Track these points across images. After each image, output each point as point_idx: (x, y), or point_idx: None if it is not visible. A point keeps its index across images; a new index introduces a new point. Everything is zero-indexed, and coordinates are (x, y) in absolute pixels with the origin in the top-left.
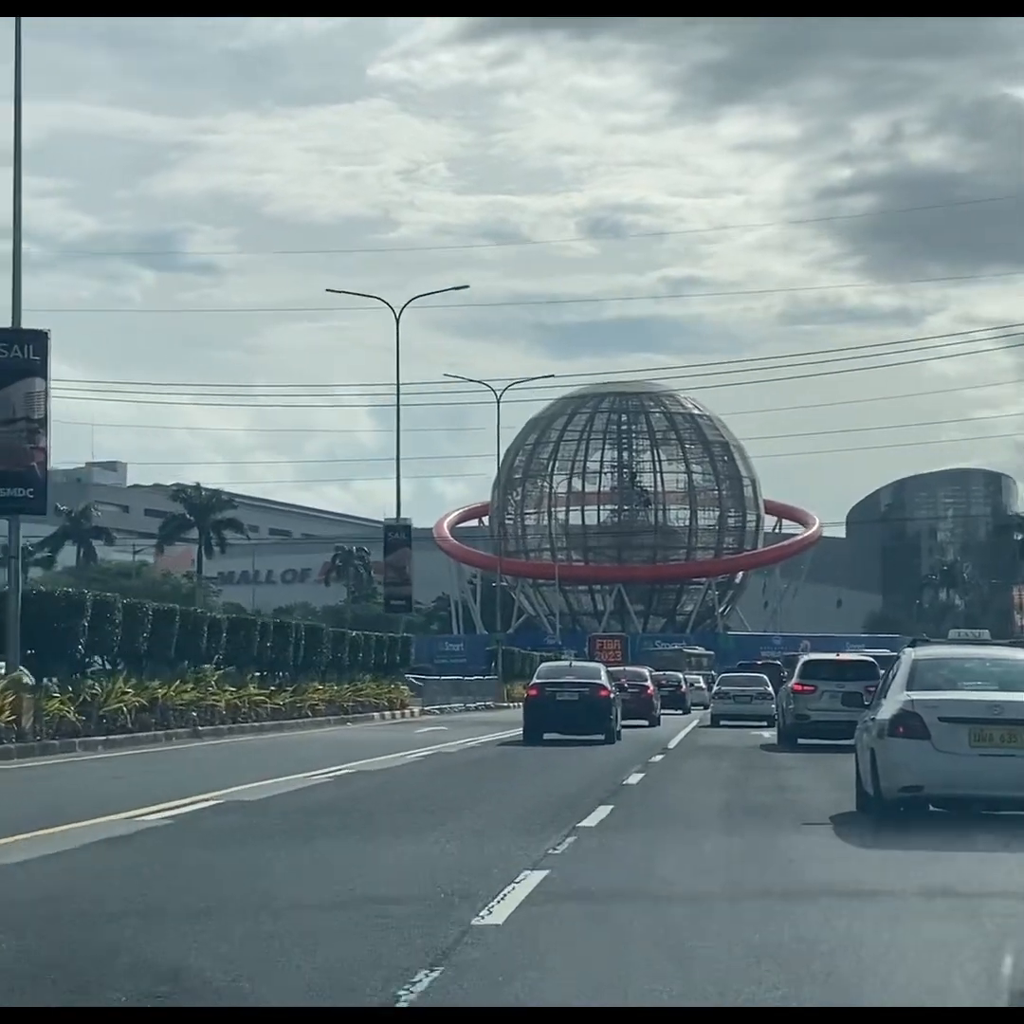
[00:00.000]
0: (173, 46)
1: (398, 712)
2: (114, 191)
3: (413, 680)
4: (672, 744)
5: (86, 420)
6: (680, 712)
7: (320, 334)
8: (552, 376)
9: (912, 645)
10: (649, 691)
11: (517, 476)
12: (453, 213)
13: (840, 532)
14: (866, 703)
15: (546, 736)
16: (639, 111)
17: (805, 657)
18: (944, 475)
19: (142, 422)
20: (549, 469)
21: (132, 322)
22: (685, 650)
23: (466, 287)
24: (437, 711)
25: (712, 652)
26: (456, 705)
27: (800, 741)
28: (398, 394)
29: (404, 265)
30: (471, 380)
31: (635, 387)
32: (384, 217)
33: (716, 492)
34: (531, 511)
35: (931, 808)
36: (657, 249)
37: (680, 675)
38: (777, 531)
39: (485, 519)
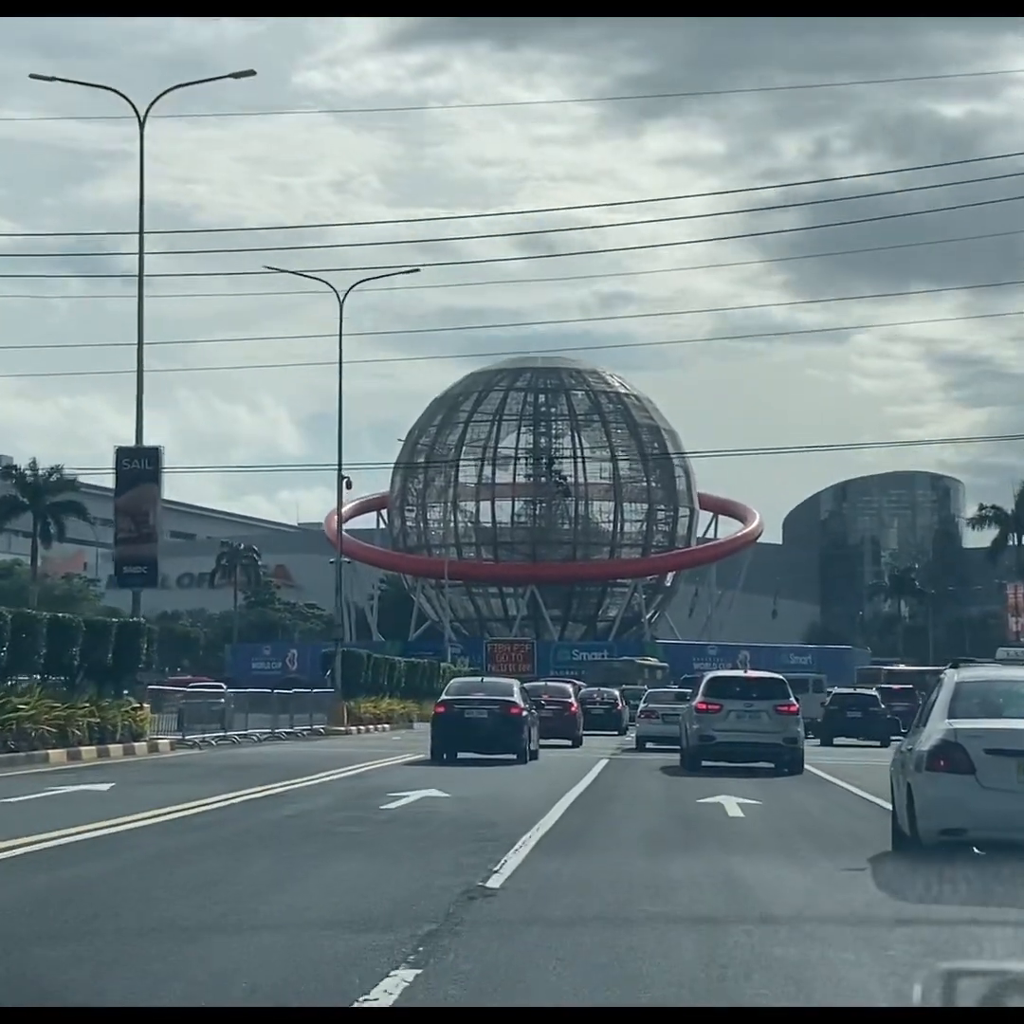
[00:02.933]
0: (101, 52)
1: (129, 743)
2: (42, 198)
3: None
4: (582, 785)
5: (6, 426)
6: (615, 732)
7: (251, 345)
8: (416, 270)
9: (954, 666)
10: (572, 709)
11: (419, 461)
12: (385, 226)
13: (775, 538)
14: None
15: (457, 755)
16: (565, 124)
17: (710, 674)
18: (888, 478)
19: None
20: (456, 455)
21: (61, 329)
22: (639, 662)
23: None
24: (209, 741)
25: (666, 664)
26: (258, 733)
27: (704, 764)
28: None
29: (334, 277)
30: (310, 276)
31: (555, 362)
32: (316, 229)
33: (644, 483)
34: (435, 502)
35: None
36: (588, 264)
37: (616, 692)
38: (712, 528)
39: (385, 512)
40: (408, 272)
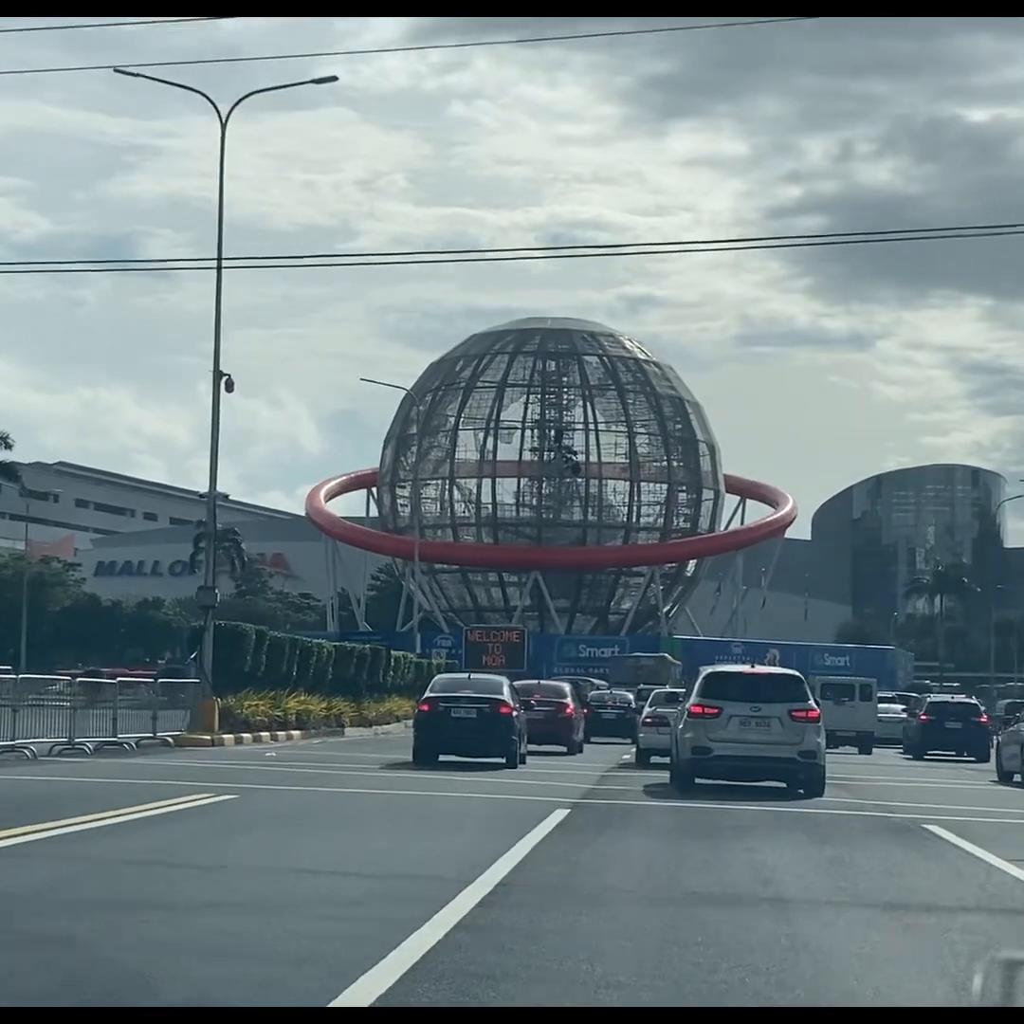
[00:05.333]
0: (127, 47)
1: None
2: (71, 192)
3: None
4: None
5: (24, 416)
6: (629, 740)
7: (275, 342)
8: (332, 79)
9: None
10: (568, 710)
11: (412, 433)
12: (412, 224)
13: (804, 534)
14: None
15: (439, 758)
16: (588, 123)
17: (708, 669)
18: (925, 471)
19: (81, 420)
20: (454, 425)
21: (85, 324)
22: (671, 659)
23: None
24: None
25: (679, 662)
26: (90, 744)
27: (698, 781)
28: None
29: (359, 274)
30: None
31: (566, 324)
32: (343, 226)
33: (664, 462)
34: (430, 479)
35: None
36: (614, 266)
37: (630, 695)
38: (739, 515)
39: (375, 490)
40: (321, 81)
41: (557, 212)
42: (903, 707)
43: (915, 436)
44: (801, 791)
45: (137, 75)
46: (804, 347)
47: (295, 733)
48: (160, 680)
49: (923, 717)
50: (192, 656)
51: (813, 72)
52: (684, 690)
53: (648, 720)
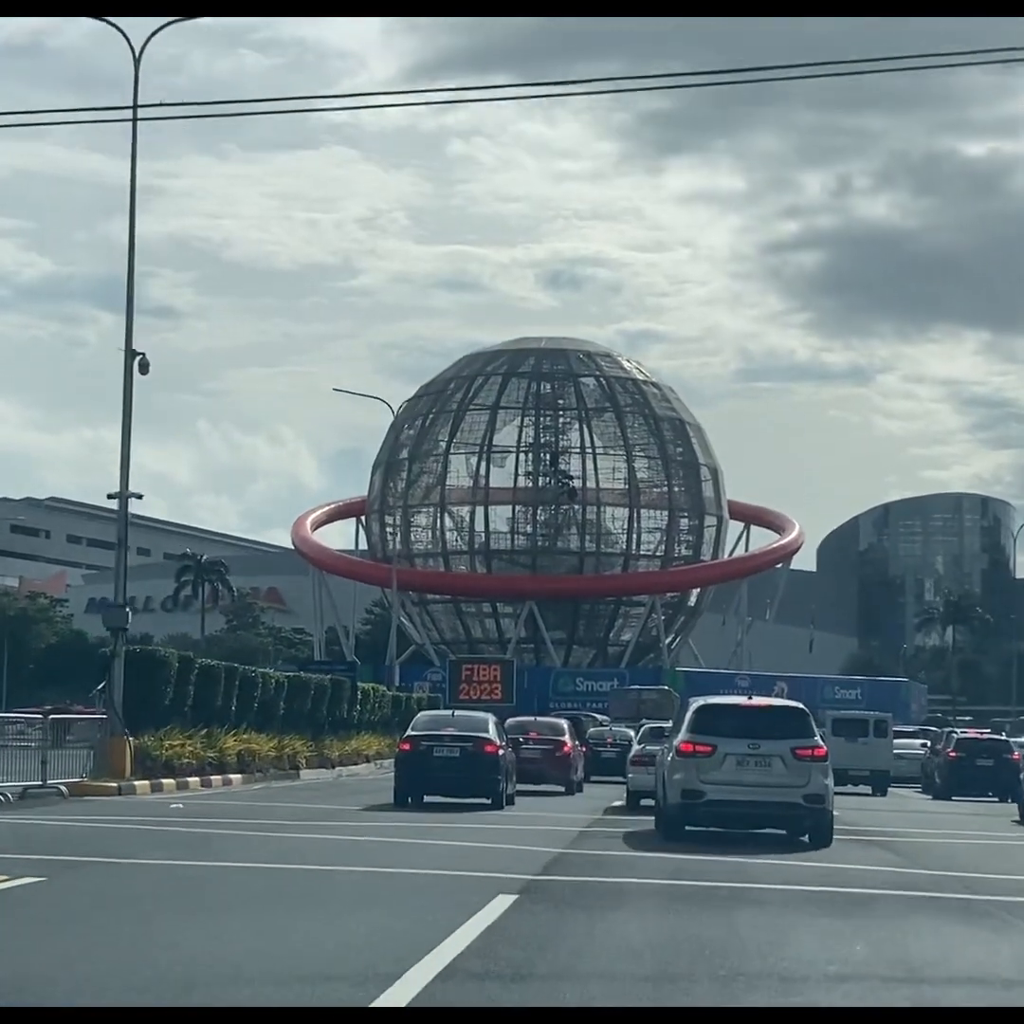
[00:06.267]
0: (122, 85)
1: None
2: (73, 232)
3: None
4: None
5: (28, 457)
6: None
7: (277, 380)
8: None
9: None
10: (565, 748)
11: (402, 457)
12: (412, 262)
13: (810, 565)
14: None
15: (424, 799)
16: (585, 160)
17: (699, 701)
18: (932, 501)
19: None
20: (445, 449)
21: (86, 364)
22: (675, 693)
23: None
24: None
25: (677, 695)
26: None
27: (689, 829)
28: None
29: (361, 312)
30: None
31: (561, 344)
32: (345, 264)
33: (665, 486)
34: (420, 506)
35: None
36: (614, 302)
37: (631, 732)
38: (743, 542)
39: (364, 518)
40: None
41: (558, 248)
42: (923, 742)
43: (916, 470)
44: (807, 840)
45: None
46: (804, 381)
47: (235, 777)
48: (52, 716)
49: (951, 754)
50: (99, 687)
51: (809, 107)
52: (671, 724)
53: (637, 759)
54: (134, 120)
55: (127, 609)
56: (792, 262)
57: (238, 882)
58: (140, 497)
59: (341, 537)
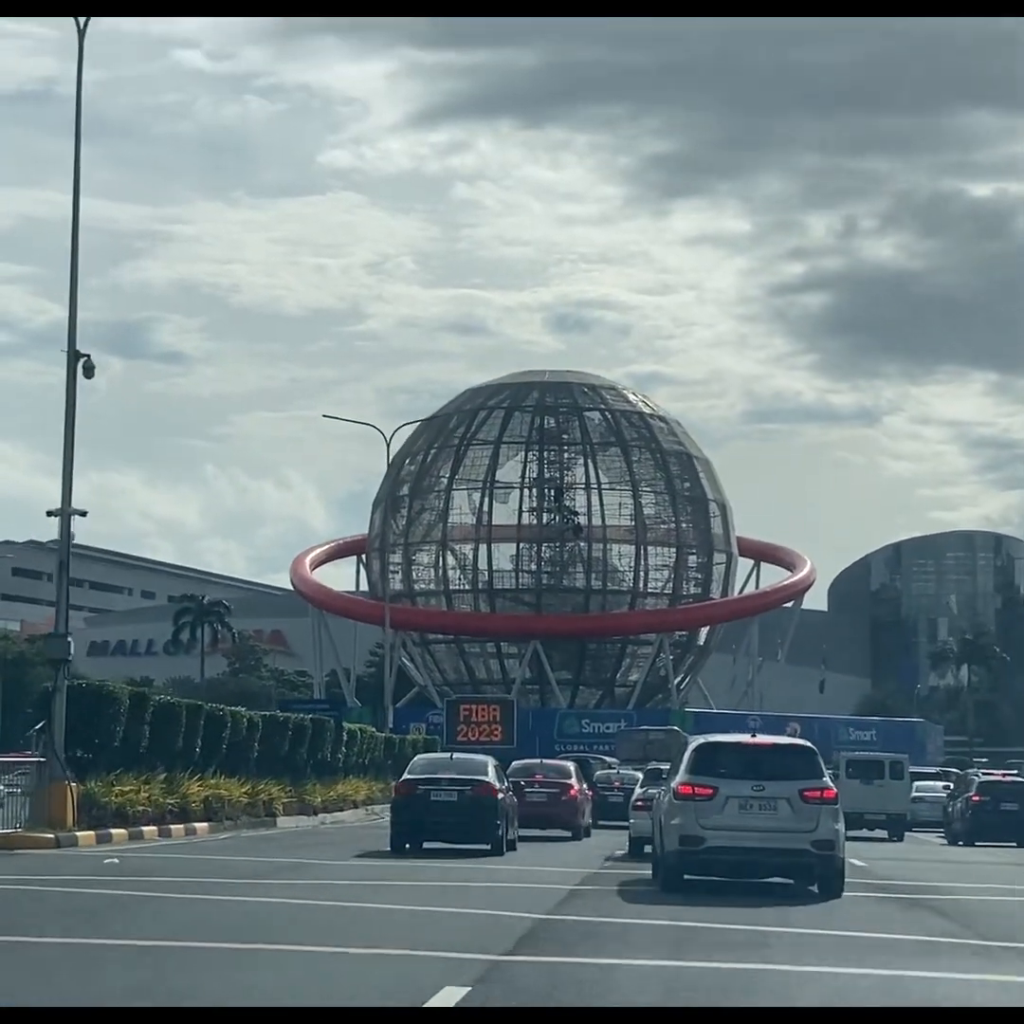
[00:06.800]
0: (140, 134)
1: None
2: (82, 279)
3: None
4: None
5: (36, 501)
6: None
7: (285, 424)
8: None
9: None
10: (572, 792)
11: (403, 494)
12: (420, 306)
13: (821, 605)
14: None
15: (424, 845)
16: (591, 203)
17: (698, 739)
18: (945, 539)
19: (91, 504)
20: (447, 485)
21: (96, 409)
22: (683, 733)
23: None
24: None
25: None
26: None
27: (687, 878)
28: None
29: (369, 357)
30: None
31: (565, 377)
32: (352, 309)
33: (673, 522)
34: (421, 542)
35: None
36: (621, 345)
37: (639, 775)
38: (753, 580)
39: (365, 556)
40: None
41: (565, 292)
42: (945, 785)
43: (925, 511)
44: (817, 889)
45: None
46: (811, 423)
47: (200, 826)
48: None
49: (975, 798)
50: (37, 726)
51: (814, 150)
52: (668, 765)
53: (639, 803)
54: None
55: (68, 639)
56: (798, 304)
57: (110, 970)
58: (83, 514)
59: (345, 578)
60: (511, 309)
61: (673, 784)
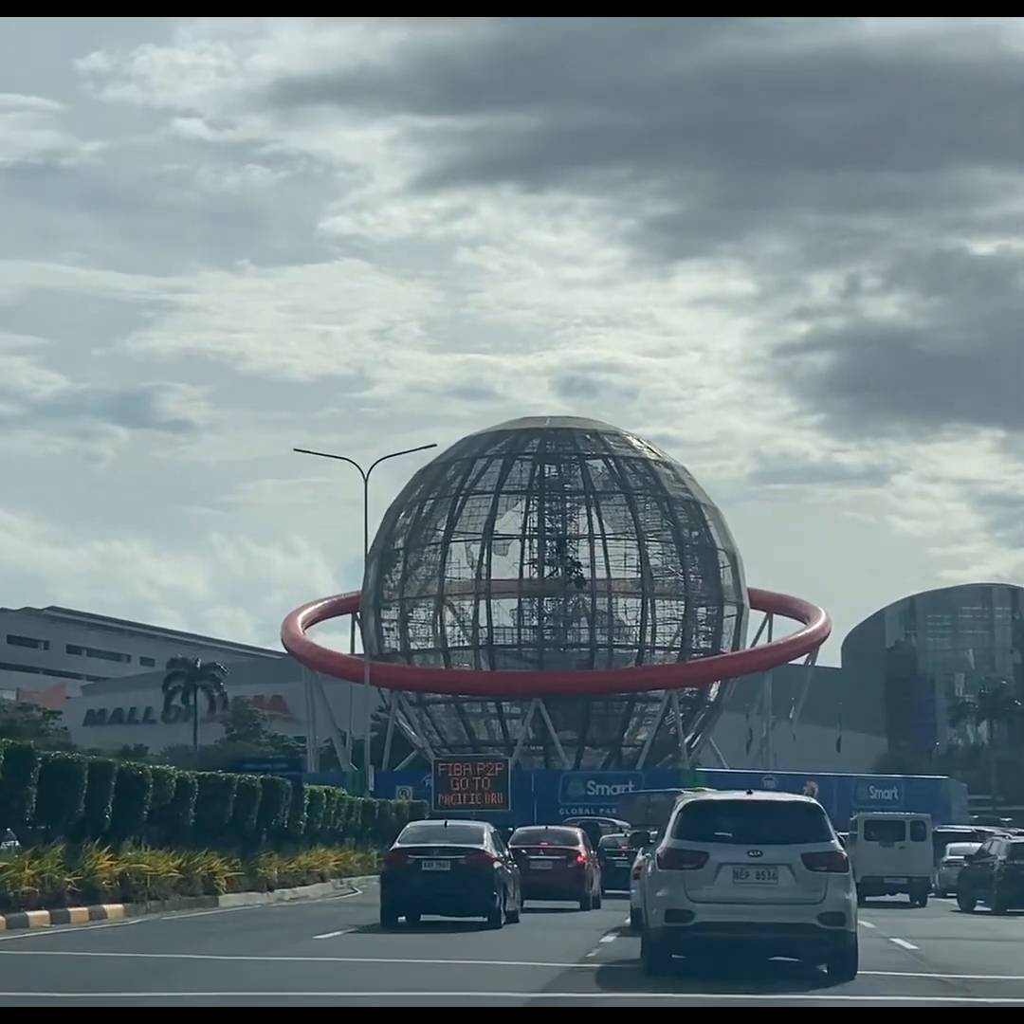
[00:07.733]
0: (146, 204)
1: None
2: (88, 349)
3: None
4: None
5: (41, 572)
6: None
7: (292, 491)
8: (433, 446)
9: None
10: (579, 859)
11: (398, 547)
12: (426, 372)
13: (835, 662)
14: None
15: (420, 918)
16: (594, 266)
17: (686, 799)
18: (960, 592)
19: (97, 573)
20: (444, 537)
21: (102, 478)
22: (691, 795)
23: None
24: None
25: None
26: None
27: (675, 957)
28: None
29: (376, 423)
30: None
31: (566, 423)
32: (358, 376)
33: (681, 573)
34: (417, 597)
35: None
36: (629, 408)
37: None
38: (764, 632)
39: (359, 613)
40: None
41: (571, 355)
42: (981, 847)
43: (934, 570)
44: (826, 970)
45: None
46: (820, 483)
47: (112, 908)
48: None
49: (1009, 861)
50: None
51: (816, 210)
52: (655, 830)
53: (639, 871)
54: None
55: None
56: (804, 364)
57: None
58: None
59: (345, 637)
60: (518, 373)
61: (657, 849)
